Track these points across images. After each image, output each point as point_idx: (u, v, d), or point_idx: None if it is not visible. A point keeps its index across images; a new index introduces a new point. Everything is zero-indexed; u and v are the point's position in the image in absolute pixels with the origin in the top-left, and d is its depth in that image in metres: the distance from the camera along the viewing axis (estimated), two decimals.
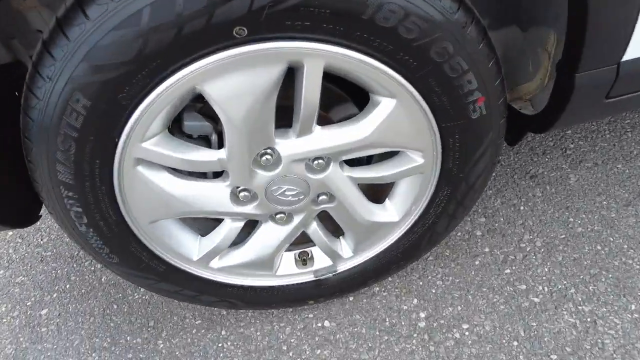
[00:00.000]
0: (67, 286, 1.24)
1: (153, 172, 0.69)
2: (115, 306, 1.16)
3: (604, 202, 1.17)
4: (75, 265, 1.29)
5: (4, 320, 1.18)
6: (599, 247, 1.08)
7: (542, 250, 1.09)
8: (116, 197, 0.69)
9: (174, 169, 0.71)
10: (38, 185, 0.68)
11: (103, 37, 0.53)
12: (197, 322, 1.08)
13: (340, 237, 0.94)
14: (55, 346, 1.10)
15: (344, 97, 0.77)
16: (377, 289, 1.07)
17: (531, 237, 1.12)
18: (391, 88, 0.64)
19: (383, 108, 0.68)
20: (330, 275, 0.96)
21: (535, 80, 0.96)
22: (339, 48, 0.58)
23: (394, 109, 0.67)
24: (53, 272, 1.28)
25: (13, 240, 1.41)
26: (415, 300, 1.04)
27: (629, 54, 0.71)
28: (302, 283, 0.96)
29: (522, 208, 1.19)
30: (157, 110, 0.61)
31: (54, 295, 1.22)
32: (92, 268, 1.27)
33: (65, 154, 0.62)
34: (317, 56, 0.59)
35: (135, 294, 1.17)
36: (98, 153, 0.63)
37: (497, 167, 1.31)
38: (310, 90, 0.62)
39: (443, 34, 0.59)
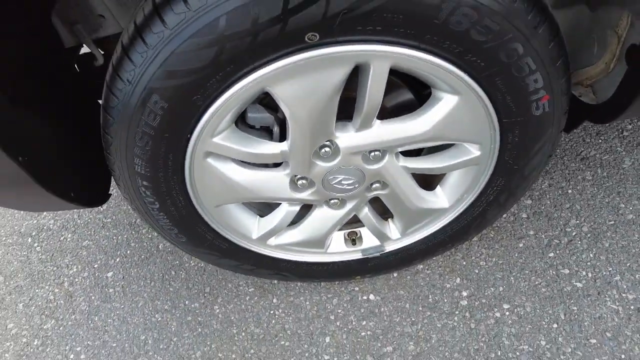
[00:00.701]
0: (128, 252, 1.35)
1: (220, 162, 0.74)
2: (173, 272, 1.26)
3: None
4: (133, 233, 1.39)
5: (77, 279, 1.31)
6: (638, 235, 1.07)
7: (589, 235, 1.10)
8: (186, 185, 0.74)
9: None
10: (115, 175, 0.74)
11: (181, 44, 0.56)
12: (250, 290, 1.17)
13: (389, 220, 0.98)
14: (122, 306, 1.22)
15: (401, 85, 0.77)
16: (421, 267, 1.12)
17: (578, 221, 1.12)
18: (456, 86, 0.65)
19: (445, 104, 0.68)
20: (378, 254, 1.00)
21: (599, 64, 0.93)
22: (408, 49, 0.59)
23: (457, 105, 0.68)
24: (114, 238, 1.39)
25: None
26: (458, 280, 1.08)
27: None
28: (350, 260, 1.02)
29: (570, 191, 1.18)
30: (228, 109, 0.64)
31: (117, 260, 1.33)
32: (150, 236, 1.37)
33: (142, 149, 0.67)
34: (385, 57, 0.60)
35: (191, 262, 1.27)
36: (172, 148, 0.67)
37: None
38: (375, 89, 0.64)
39: (514, 35, 0.58)
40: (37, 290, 1.32)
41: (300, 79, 0.61)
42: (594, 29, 0.90)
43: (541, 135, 0.74)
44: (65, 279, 1.32)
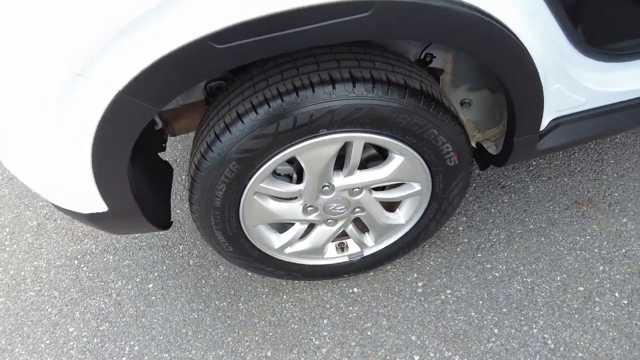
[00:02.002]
0: (164, 267, 1.78)
1: (261, 198, 1.22)
2: (203, 281, 1.70)
3: (551, 207, 1.70)
4: (167, 252, 1.83)
5: (122, 291, 1.72)
6: (542, 239, 1.62)
7: (504, 241, 1.64)
8: (239, 212, 1.22)
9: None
10: (193, 207, 1.20)
11: (252, 137, 1.04)
12: (265, 290, 1.63)
13: (366, 233, 1.47)
14: (164, 309, 1.65)
15: (372, 149, 1.28)
16: (389, 267, 1.62)
17: (497, 231, 1.67)
18: (402, 151, 1.17)
19: (397, 160, 1.20)
20: (359, 257, 1.50)
21: (499, 127, 1.48)
22: (373, 135, 1.10)
23: (403, 161, 1.19)
24: (150, 257, 1.82)
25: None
26: (415, 274, 1.59)
27: (542, 126, 1.24)
28: (340, 263, 1.50)
29: (492, 210, 1.73)
30: (272, 167, 1.13)
31: (155, 274, 1.76)
32: (181, 254, 1.81)
33: (220, 191, 1.14)
34: (361, 138, 1.11)
35: (217, 272, 1.72)
36: (236, 190, 1.15)
37: (479, 179, 1.84)
38: (355, 154, 1.15)
39: (431, 125, 1.10)
40: (89, 301, 1.72)
41: (315, 150, 1.11)
42: (495, 104, 1.45)
43: (456, 177, 1.26)
44: (113, 291, 1.74)
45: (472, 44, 0.98)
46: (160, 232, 1.89)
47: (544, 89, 1.13)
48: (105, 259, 1.85)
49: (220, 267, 1.72)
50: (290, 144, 1.08)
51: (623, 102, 1.33)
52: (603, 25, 1.44)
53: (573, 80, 1.22)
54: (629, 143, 1.87)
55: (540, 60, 1.07)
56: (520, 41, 0.99)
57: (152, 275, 1.77)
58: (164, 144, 1.48)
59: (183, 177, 2.09)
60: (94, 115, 0.88)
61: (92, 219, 1.17)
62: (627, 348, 1.34)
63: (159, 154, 1.48)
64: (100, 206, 1.13)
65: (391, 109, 1.03)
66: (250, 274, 1.68)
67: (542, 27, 1.07)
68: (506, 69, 1.06)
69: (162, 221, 1.33)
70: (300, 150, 1.10)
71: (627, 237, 1.59)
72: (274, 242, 1.39)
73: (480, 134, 1.52)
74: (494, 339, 1.41)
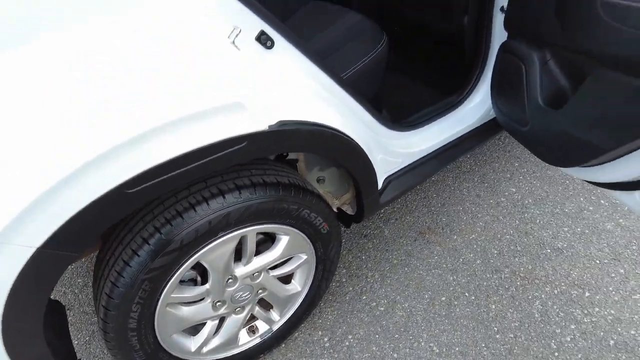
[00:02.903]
0: None
1: (173, 307, 1.34)
2: None
3: (404, 242, 2.17)
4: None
5: None
6: (406, 269, 2.05)
7: (379, 279, 2.02)
8: (155, 329, 1.31)
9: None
10: (109, 336, 1.26)
11: (157, 259, 1.19)
12: None
13: (271, 309, 1.68)
14: None
15: (262, 235, 1.54)
16: (297, 333, 1.84)
17: (372, 273, 2.05)
18: (286, 232, 1.45)
19: (283, 240, 1.47)
20: (270, 334, 1.68)
21: (350, 192, 1.89)
22: (262, 225, 1.36)
23: (289, 239, 1.47)
24: None
25: None
26: (319, 332, 1.84)
27: (379, 186, 1.68)
28: (254, 345, 1.66)
29: (363, 257, 2.12)
30: (180, 276, 1.28)
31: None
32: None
33: (135, 314, 1.24)
34: (254, 230, 1.35)
35: None
36: (149, 308, 1.26)
37: (347, 235, 2.23)
38: (251, 244, 1.38)
39: (304, 207, 1.42)
40: None
41: (217, 251, 1.31)
42: (342, 175, 1.87)
43: (331, 240, 1.60)
44: None
45: (319, 148, 1.35)
46: None
47: (372, 161, 1.57)
48: None
49: None
50: (195, 251, 1.26)
51: (426, 155, 1.88)
52: (395, 107, 2.03)
53: (389, 150, 1.70)
54: (442, 180, 2.51)
55: (365, 143, 1.51)
56: (348, 136, 1.40)
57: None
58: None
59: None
60: (10, 274, 0.94)
61: None
62: (484, 331, 1.80)
63: None
64: None
65: (272, 202, 1.32)
66: None
67: (359, 120, 1.51)
68: (342, 156, 1.45)
69: None
70: (204, 254, 1.28)
71: (460, 249, 2.13)
72: (191, 346, 1.49)
73: (338, 200, 1.91)
74: None
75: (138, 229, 1.20)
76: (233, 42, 1.15)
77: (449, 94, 2.00)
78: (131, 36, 1.01)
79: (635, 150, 1.24)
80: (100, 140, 0.94)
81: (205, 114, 1.04)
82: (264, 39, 1.20)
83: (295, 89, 1.29)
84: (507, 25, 1.63)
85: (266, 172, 1.34)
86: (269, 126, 1.16)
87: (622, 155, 1.30)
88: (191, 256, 1.26)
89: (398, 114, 1.90)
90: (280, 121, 1.19)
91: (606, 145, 1.23)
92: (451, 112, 1.93)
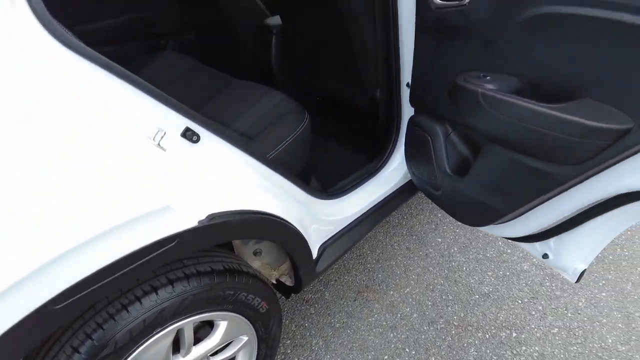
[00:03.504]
0: None
1: None
2: None
3: (344, 303, 2.24)
4: None
5: None
6: (349, 331, 2.11)
7: (323, 346, 2.05)
8: None
9: None
10: None
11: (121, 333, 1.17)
12: None
13: None
14: None
15: (200, 324, 1.54)
16: None
17: (316, 340, 2.08)
18: (224, 317, 1.47)
19: (222, 325, 1.49)
20: None
21: (287, 264, 1.95)
22: (199, 315, 1.37)
23: (228, 324, 1.49)
24: None
25: None
26: None
27: (314, 255, 1.76)
28: None
29: (306, 325, 2.15)
30: None
31: None
32: None
33: None
34: (190, 321, 1.36)
35: None
36: None
37: (288, 304, 2.25)
38: (189, 335, 1.38)
39: (241, 290, 1.45)
40: None
41: (154, 347, 1.29)
42: (278, 247, 1.93)
43: (271, 317, 1.63)
44: None
45: (252, 233, 1.43)
46: None
47: (304, 235, 1.65)
48: None
49: None
50: (131, 351, 1.24)
51: (356, 219, 2.00)
52: (323, 174, 2.16)
53: (321, 219, 1.80)
54: (374, 236, 2.65)
55: (296, 219, 1.59)
56: (279, 217, 1.48)
57: None
58: None
59: None
60: None
61: None
62: None
63: None
64: None
65: (207, 291, 1.34)
66: None
67: (289, 197, 1.61)
68: (275, 236, 1.53)
69: None
70: (140, 353, 1.27)
71: (397, 304, 2.23)
72: None
73: (276, 272, 1.96)
74: None
75: (67, 338, 1.17)
76: (159, 144, 1.21)
77: (371, 160, 2.17)
78: (50, 155, 1.01)
79: (528, 211, 1.43)
80: (22, 262, 0.94)
81: (132, 222, 1.07)
82: (189, 135, 1.27)
83: (223, 179, 1.36)
84: (411, 101, 1.84)
85: (199, 261, 1.37)
86: (199, 221, 1.21)
87: (520, 215, 1.49)
88: (128, 356, 1.24)
89: (326, 180, 2.02)
90: (210, 214, 1.24)
91: (505, 210, 1.42)
92: (373, 177, 2.09)
